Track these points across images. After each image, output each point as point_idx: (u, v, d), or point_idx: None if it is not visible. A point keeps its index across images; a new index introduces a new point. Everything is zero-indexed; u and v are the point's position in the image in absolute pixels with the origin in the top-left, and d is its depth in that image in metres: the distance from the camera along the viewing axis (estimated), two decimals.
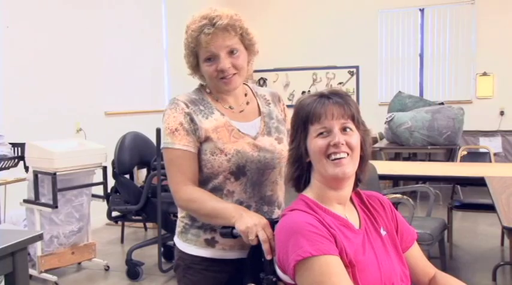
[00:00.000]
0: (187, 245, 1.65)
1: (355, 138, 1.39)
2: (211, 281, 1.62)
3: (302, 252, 1.27)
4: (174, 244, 1.71)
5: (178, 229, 1.69)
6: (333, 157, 1.36)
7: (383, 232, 1.45)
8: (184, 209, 1.64)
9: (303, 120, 1.41)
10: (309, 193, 1.44)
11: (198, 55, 1.60)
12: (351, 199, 1.48)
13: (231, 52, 1.58)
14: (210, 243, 1.62)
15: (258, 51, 1.67)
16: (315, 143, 1.38)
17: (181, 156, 1.56)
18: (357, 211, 1.47)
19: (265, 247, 1.39)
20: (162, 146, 1.61)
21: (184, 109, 1.59)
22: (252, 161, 1.59)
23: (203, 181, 1.61)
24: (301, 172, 1.45)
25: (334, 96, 1.41)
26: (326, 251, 1.27)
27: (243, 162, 1.58)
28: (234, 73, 1.59)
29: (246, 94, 1.72)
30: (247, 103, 1.71)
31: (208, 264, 1.62)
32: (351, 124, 1.39)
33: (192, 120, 1.58)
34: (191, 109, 1.60)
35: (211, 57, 1.57)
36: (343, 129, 1.38)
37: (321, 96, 1.42)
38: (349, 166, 1.38)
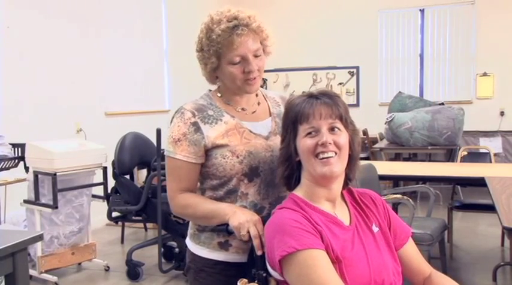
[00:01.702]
0: (199, 247, 1.64)
1: (343, 138, 1.42)
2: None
3: (287, 248, 1.30)
4: (186, 246, 1.71)
5: (190, 231, 1.69)
6: (321, 156, 1.40)
7: (375, 229, 1.47)
8: (181, 215, 1.65)
9: (292, 120, 1.45)
10: (298, 191, 1.47)
11: (221, 57, 1.56)
12: (342, 197, 1.50)
13: (256, 55, 1.58)
14: (224, 246, 1.61)
15: (270, 52, 1.67)
16: (303, 142, 1.42)
17: (181, 166, 1.58)
18: (348, 208, 1.49)
19: (255, 242, 1.43)
20: (165, 152, 1.63)
21: (190, 119, 1.58)
22: (264, 162, 1.59)
23: (217, 185, 1.61)
24: (291, 171, 1.48)
25: (323, 97, 1.44)
26: (311, 245, 1.30)
27: (255, 163, 1.58)
28: (257, 76, 1.59)
29: (257, 95, 1.72)
30: (259, 103, 1.71)
31: (221, 268, 1.61)
32: (339, 124, 1.43)
33: (197, 130, 1.57)
34: (198, 118, 1.58)
35: (239, 59, 1.55)
36: (331, 129, 1.42)
37: (310, 96, 1.46)
38: (337, 165, 1.41)
